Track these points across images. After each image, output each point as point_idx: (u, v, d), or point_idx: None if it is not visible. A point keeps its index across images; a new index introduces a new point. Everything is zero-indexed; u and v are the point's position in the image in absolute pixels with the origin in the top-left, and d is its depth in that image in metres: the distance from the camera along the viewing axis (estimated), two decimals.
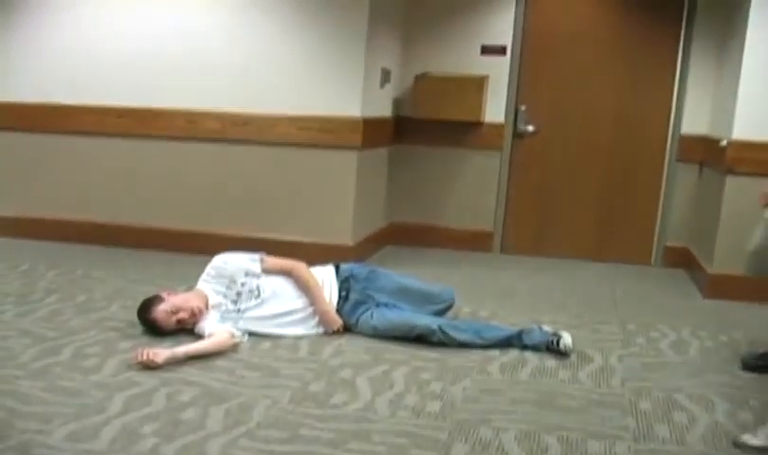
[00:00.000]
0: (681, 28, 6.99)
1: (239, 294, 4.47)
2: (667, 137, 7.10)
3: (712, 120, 6.82)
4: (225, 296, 4.47)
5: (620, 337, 4.85)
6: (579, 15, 7.17)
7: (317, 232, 6.37)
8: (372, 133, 6.52)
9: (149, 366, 3.84)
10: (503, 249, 7.40)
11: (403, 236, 7.41)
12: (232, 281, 4.49)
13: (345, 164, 6.31)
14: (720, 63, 6.79)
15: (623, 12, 7.10)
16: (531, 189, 7.34)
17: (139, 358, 3.86)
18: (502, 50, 7.15)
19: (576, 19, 7.17)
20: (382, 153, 7.03)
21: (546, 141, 7.26)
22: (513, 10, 7.13)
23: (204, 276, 4.58)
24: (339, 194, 6.35)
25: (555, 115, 7.24)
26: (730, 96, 6.15)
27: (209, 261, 4.66)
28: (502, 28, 7.14)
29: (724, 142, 6.00)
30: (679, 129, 7.02)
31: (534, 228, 7.37)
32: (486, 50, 7.15)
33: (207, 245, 5.63)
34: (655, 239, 7.20)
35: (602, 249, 7.27)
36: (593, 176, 7.25)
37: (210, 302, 4.43)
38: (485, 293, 5.82)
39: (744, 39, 5.91)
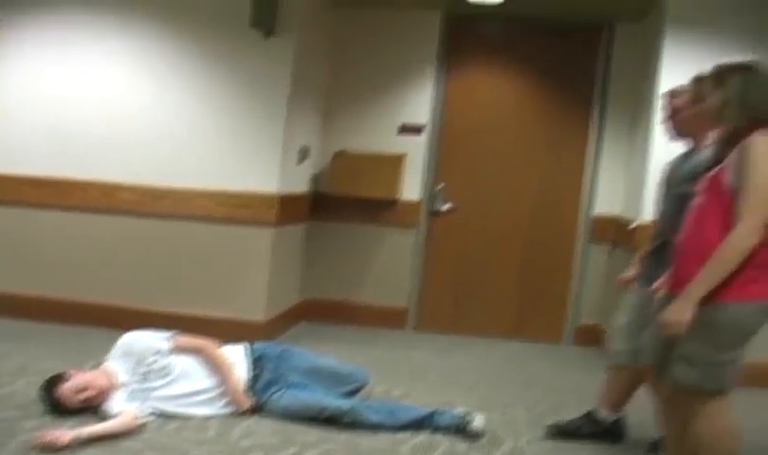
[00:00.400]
0: (593, 112, 7.20)
1: (147, 373, 4.38)
2: (580, 218, 7.24)
3: (624, 202, 6.98)
4: (133, 374, 4.37)
5: (531, 419, 4.87)
6: (496, 97, 7.33)
7: (230, 308, 6.31)
8: (288, 209, 6.52)
9: (52, 448, 3.72)
10: (418, 327, 7.42)
11: (318, 312, 7.38)
12: (141, 359, 4.40)
13: (260, 240, 6.28)
14: (631, 146, 6.99)
15: (539, 96, 7.28)
16: (447, 267, 7.40)
17: (42, 440, 3.74)
18: (419, 130, 7.25)
19: (493, 101, 7.32)
20: (299, 229, 7.03)
21: (462, 220, 7.34)
22: (431, 91, 7.26)
23: (112, 354, 4.48)
24: (254, 270, 6.31)
25: (471, 194, 7.34)
26: (639, 179, 6.32)
27: (119, 336, 4.56)
28: (421, 108, 7.26)
29: (633, 224, 6.15)
30: (592, 210, 7.17)
31: (449, 306, 7.42)
32: (404, 129, 7.25)
33: (119, 320, 5.53)
34: (568, 318, 7.30)
35: (517, 328, 7.34)
36: (508, 255, 7.35)
37: (118, 381, 4.34)
38: (399, 372, 5.80)
39: (651, 125, 6.11)
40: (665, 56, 6.12)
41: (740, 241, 3.16)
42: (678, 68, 5.68)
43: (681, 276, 3.36)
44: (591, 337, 7.14)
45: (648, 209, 6.00)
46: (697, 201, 3.42)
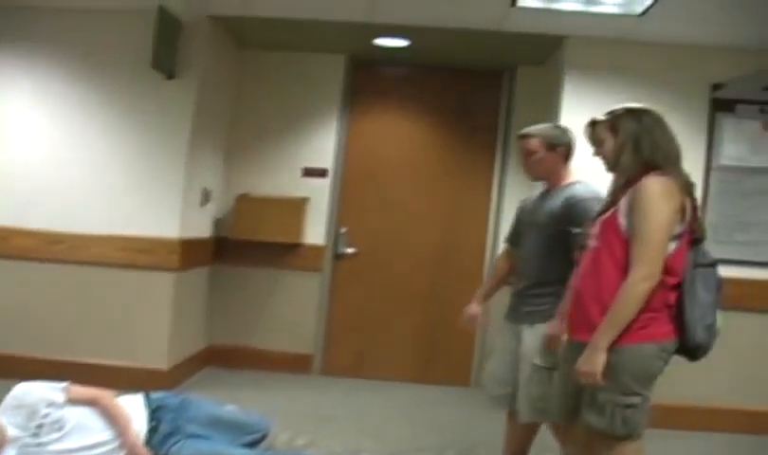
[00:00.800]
0: (496, 155, 7.26)
1: (40, 426, 4.18)
2: (485, 260, 7.26)
3: None
4: (24, 429, 4.16)
5: None
6: (400, 140, 7.34)
7: (131, 356, 6.12)
8: (191, 253, 6.39)
9: None
10: (324, 371, 7.31)
11: (222, 358, 7.21)
12: (33, 412, 4.20)
13: (162, 285, 6.13)
14: (533, 188, 7.00)
15: (442, 139, 7.32)
16: (352, 310, 7.33)
17: None
18: (323, 173, 7.20)
19: (398, 144, 7.34)
20: (201, 273, 6.89)
21: (367, 263, 7.30)
22: (335, 133, 7.22)
23: (2, 407, 4.28)
24: (155, 317, 6.15)
25: (376, 237, 7.31)
26: None
27: (10, 387, 4.37)
28: (325, 151, 7.21)
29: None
30: (495, 253, 7.18)
31: (355, 350, 7.34)
32: (308, 173, 7.18)
33: (11, 370, 5.31)
34: (475, 360, 7.28)
35: (424, 371, 7.30)
36: (413, 298, 7.32)
37: (9, 436, 4.14)
38: (305, 418, 5.69)
39: None
40: (564, 100, 6.20)
41: (636, 287, 3.20)
42: (577, 111, 5.81)
43: (581, 321, 3.41)
44: None
45: None
46: (592, 245, 3.46)
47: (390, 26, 6.28)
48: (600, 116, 3.58)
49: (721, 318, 3.38)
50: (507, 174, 7.20)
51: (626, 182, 3.38)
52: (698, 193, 5.95)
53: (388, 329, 7.33)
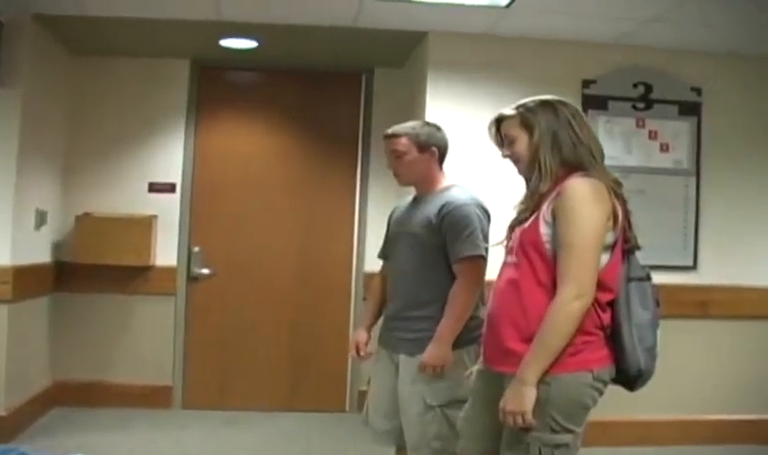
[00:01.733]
0: (357, 161, 6.89)
1: None
2: (352, 275, 6.86)
3: None
4: None
5: None
6: (255, 150, 6.86)
7: None
8: (26, 281, 5.75)
9: None
10: (185, 404, 6.71)
11: (72, 396, 6.49)
12: None
13: None
14: (399, 200, 6.64)
15: (300, 147, 6.89)
16: (212, 336, 6.77)
17: None
18: (171, 188, 6.65)
19: (252, 154, 6.86)
20: (40, 303, 6.22)
21: (226, 284, 6.77)
22: (182, 146, 6.69)
23: None
24: None
25: (233, 256, 6.79)
26: None
27: None
28: (173, 164, 6.67)
29: None
30: (362, 267, 6.80)
31: (218, 379, 6.77)
32: (155, 188, 6.61)
33: None
34: (348, 383, 6.85)
35: (294, 398, 6.80)
36: (278, 320, 6.83)
37: None
38: None
39: None
40: (428, 101, 5.83)
41: (567, 308, 2.73)
42: (442, 113, 5.51)
43: (495, 349, 2.96)
44: None
45: None
46: (508, 261, 3.01)
47: (236, 24, 5.77)
48: (507, 110, 3.11)
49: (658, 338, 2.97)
50: (370, 183, 6.86)
51: (541, 186, 2.95)
52: None
53: (252, 354, 6.80)
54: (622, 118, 5.97)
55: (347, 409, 6.84)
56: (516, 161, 3.09)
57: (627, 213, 2.95)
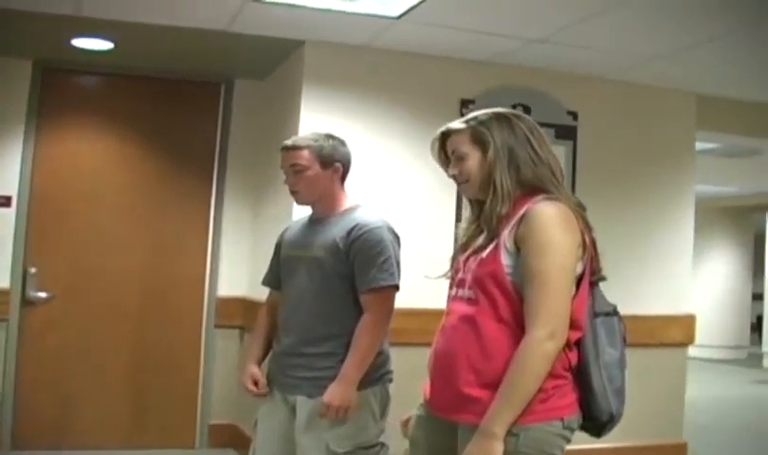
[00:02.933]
0: (213, 182, 6.42)
1: None
2: (204, 300, 6.36)
3: (252, 279, 6.22)
4: None
5: None
6: (102, 163, 6.24)
7: None
8: None
9: None
10: (16, 445, 5.92)
11: None
12: None
13: None
14: (256, 214, 6.32)
15: (153, 161, 6.33)
16: (47, 366, 6.02)
17: None
18: (6, 202, 5.92)
19: (99, 167, 6.23)
20: None
21: (65, 310, 6.06)
22: (20, 156, 5.98)
23: None
24: None
25: (74, 278, 6.11)
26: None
27: None
28: (7, 176, 5.94)
29: None
30: (215, 291, 6.32)
31: (54, 415, 6.01)
32: None
33: None
34: (198, 416, 6.32)
35: (139, 434, 6.17)
36: (123, 348, 6.20)
37: None
38: None
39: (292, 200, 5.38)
40: (302, 117, 5.42)
41: (539, 350, 2.41)
42: (316, 128, 5.08)
43: (448, 395, 2.60)
44: (227, 438, 6.24)
45: None
46: (460, 295, 2.66)
47: (93, 21, 5.15)
48: (455, 123, 2.77)
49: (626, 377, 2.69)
50: (225, 201, 6.41)
51: (505, 209, 2.62)
52: (450, 217, 5.64)
53: (93, 386, 6.10)
54: None
55: (197, 445, 6.31)
56: (464, 181, 2.75)
57: (593, 241, 2.66)
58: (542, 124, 5.57)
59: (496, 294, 2.54)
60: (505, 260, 2.54)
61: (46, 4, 4.88)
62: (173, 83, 6.36)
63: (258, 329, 3.77)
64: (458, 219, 5.61)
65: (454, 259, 2.81)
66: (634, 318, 5.83)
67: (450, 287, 2.78)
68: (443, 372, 2.64)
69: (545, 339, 2.41)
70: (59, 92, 6.15)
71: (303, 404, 3.41)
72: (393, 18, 4.92)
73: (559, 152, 5.79)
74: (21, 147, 5.98)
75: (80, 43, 5.62)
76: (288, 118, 5.64)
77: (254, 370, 3.64)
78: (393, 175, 5.56)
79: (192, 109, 6.42)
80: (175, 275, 6.33)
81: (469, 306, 2.59)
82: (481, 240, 2.67)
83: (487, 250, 2.59)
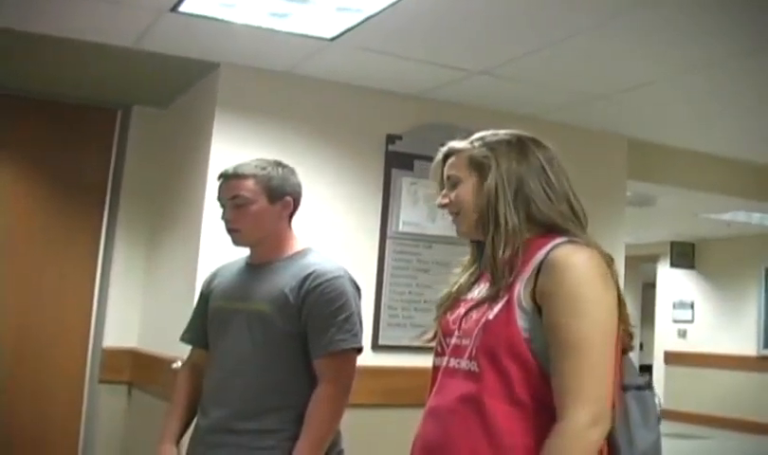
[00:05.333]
0: (103, 220, 5.72)
1: None
2: (88, 352, 5.60)
3: (143, 329, 5.58)
4: None
5: None
6: None
7: None
8: None
9: None
10: None
11: None
12: None
13: None
14: (151, 257, 5.65)
15: (33, 197, 5.58)
16: None
17: None
18: None
19: None
20: None
21: None
22: None
23: None
24: None
25: None
26: (172, 301, 5.06)
27: None
28: None
29: (178, 364, 4.68)
30: (101, 342, 5.59)
31: None
32: None
33: None
34: None
35: None
36: None
37: None
38: None
39: (195, 229, 4.80)
40: (213, 145, 4.80)
41: (585, 438, 1.89)
42: (227, 160, 4.56)
43: None
44: None
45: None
46: (457, 367, 2.11)
47: None
48: (460, 142, 2.28)
49: None
50: (116, 242, 5.69)
51: (509, 252, 2.10)
52: (372, 267, 5.09)
53: None
54: (428, 181, 5.27)
55: None
56: (455, 213, 2.26)
57: (622, 299, 2.12)
58: None
59: (510, 367, 1.99)
60: (522, 322, 2.01)
61: None
62: (63, 107, 5.62)
63: (177, 398, 3.08)
64: (380, 271, 5.08)
65: (441, 317, 2.25)
66: None
67: (438, 355, 2.22)
68: None
69: (589, 426, 1.88)
70: None
71: None
72: (326, 39, 4.37)
73: None
74: None
75: None
76: (196, 149, 5.01)
77: (168, 451, 2.98)
78: (311, 216, 4.97)
79: (84, 137, 5.68)
80: (55, 323, 5.54)
81: (468, 383, 2.04)
82: (480, 292, 2.15)
83: (495, 310, 2.04)
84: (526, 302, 2.01)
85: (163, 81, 5.23)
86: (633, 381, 2.13)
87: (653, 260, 13.47)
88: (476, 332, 2.06)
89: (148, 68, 4.94)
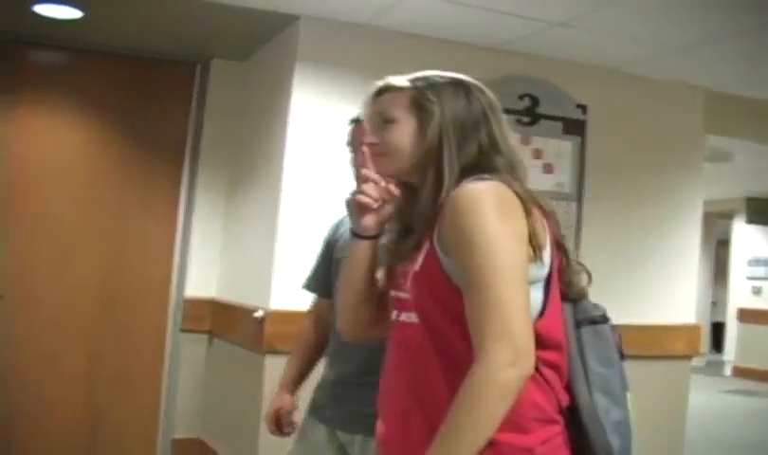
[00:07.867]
0: (184, 173, 5.82)
1: None
2: (169, 302, 5.76)
3: (224, 280, 5.68)
4: None
5: None
6: (58, 147, 5.59)
7: None
8: None
9: None
10: None
11: None
12: None
13: None
14: (233, 208, 5.73)
15: (116, 151, 5.70)
16: None
17: None
18: None
19: (55, 152, 5.58)
20: None
21: (14, 310, 5.37)
22: None
23: None
24: None
25: (25, 275, 5.44)
26: (256, 251, 5.10)
27: None
28: None
29: (260, 313, 4.78)
30: (182, 293, 5.73)
31: None
32: None
33: None
34: (161, 430, 5.69)
35: (94, 451, 5.50)
36: (78, 356, 5.53)
37: None
38: None
39: (275, 180, 4.87)
40: (294, 96, 4.85)
41: (499, 378, 1.73)
42: (308, 111, 4.81)
43: (396, 441, 1.99)
44: (192, 454, 5.62)
45: (279, 293, 4.73)
46: (399, 318, 2.02)
47: None
48: (398, 78, 2.09)
49: (630, 400, 2.01)
50: (197, 195, 5.77)
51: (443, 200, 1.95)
52: None
53: (43, 398, 5.41)
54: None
55: None
56: (380, 154, 2.06)
57: (558, 239, 2.02)
58: (549, 117, 5.32)
59: (435, 314, 1.92)
60: (443, 267, 1.90)
61: None
62: (144, 62, 5.73)
63: (298, 347, 3.10)
64: None
65: (387, 272, 2.14)
66: (634, 327, 5.48)
67: (392, 309, 2.10)
68: (391, 417, 2.03)
69: (503, 365, 1.73)
70: (15, 67, 5.49)
71: (363, 445, 2.73)
72: None
73: (566, 147, 5.38)
74: None
75: (43, 9, 4.94)
76: (276, 101, 5.07)
77: (282, 402, 3.03)
78: None
79: (164, 91, 5.79)
80: (138, 275, 5.71)
81: (409, 331, 1.98)
82: (408, 242, 2.03)
83: (420, 260, 1.95)
84: (439, 248, 1.91)
85: (243, 35, 5.29)
86: (588, 314, 2.03)
87: (728, 216, 13.26)
88: (408, 284, 1.98)
89: (228, 22, 5.00)
